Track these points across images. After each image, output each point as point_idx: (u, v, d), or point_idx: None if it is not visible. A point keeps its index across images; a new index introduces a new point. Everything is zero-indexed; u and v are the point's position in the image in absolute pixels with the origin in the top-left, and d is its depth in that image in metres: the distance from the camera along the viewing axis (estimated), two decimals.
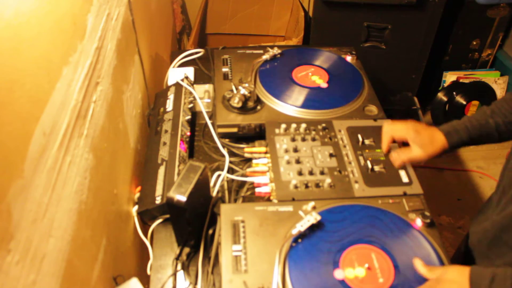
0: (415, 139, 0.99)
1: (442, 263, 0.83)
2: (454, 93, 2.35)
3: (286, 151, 1.04)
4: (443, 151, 0.99)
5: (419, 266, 0.82)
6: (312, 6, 2.00)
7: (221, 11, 2.41)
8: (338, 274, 0.80)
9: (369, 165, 1.01)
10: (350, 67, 1.33)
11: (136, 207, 1.06)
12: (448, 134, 0.98)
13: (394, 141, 1.07)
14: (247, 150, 1.10)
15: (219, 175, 1.03)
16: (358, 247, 0.84)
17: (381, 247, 0.84)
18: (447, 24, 2.19)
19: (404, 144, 1.05)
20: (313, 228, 0.86)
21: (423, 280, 0.80)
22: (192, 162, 0.88)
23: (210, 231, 0.94)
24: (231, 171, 1.08)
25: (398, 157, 1.02)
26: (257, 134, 1.13)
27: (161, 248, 0.96)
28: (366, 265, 0.81)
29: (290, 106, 1.16)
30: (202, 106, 1.23)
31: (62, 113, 0.68)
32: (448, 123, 1.01)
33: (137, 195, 1.10)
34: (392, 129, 1.04)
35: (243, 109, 1.15)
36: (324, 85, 1.24)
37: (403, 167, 1.02)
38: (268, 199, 0.99)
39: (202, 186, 0.89)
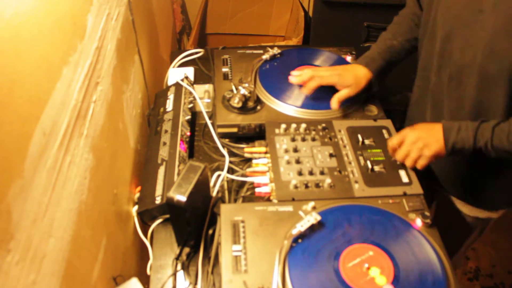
0: (342, 83, 1.13)
1: (442, 263, 0.83)
2: None
3: (286, 151, 1.04)
4: (370, 81, 1.15)
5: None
6: (312, 6, 2.00)
7: (221, 11, 2.40)
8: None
9: (369, 165, 1.01)
10: None
11: (136, 207, 1.06)
12: (367, 65, 1.15)
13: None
14: (247, 150, 1.10)
15: (219, 175, 1.03)
16: (358, 247, 0.84)
17: (381, 247, 0.84)
18: None
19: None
20: (313, 228, 0.86)
21: (423, 280, 0.80)
22: (192, 162, 0.88)
23: (210, 231, 0.94)
24: (231, 171, 1.08)
25: (332, 102, 1.14)
26: (257, 134, 1.13)
27: (161, 248, 0.96)
28: (366, 265, 0.81)
29: (290, 106, 1.16)
30: (202, 106, 1.23)
31: (62, 113, 0.68)
32: (362, 56, 1.19)
33: (137, 195, 1.10)
34: (318, 77, 1.13)
35: (243, 109, 1.15)
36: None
37: (404, 167, 1.02)
38: (268, 199, 0.99)
39: (202, 186, 0.89)
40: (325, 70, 1.16)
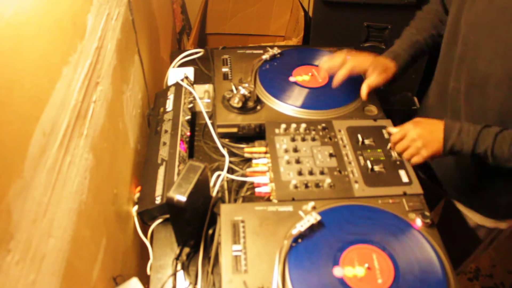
0: (374, 68, 1.12)
1: (442, 263, 0.83)
2: None
3: (286, 151, 1.04)
4: (394, 76, 1.15)
5: (392, 129, 1.04)
6: (312, 6, 2.00)
7: (221, 11, 2.40)
8: (337, 271, 0.80)
9: (369, 165, 1.01)
10: None
11: (136, 207, 1.06)
12: (395, 58, 1.15)
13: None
14: (247, 150, 1.10)
15: (219, 175, 1.03)
16: (358, 247, 0.84)
17: (381, 247, 0.84)
18: None
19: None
20: (313, 228, 0.86)
21: (423, 280, 0.80)
22: (192, 162, 0.88)
23: (210, 231, 0.94)
24: (231, 171, 1.08)
25: (363, 90, 1.14)
26: (257, 134, 1.13)
27: (161, 248, 0.96)
28: (366, 265, 0.81)
29: (290, 106, 1.16)
30: (202, 106, 1.23)
31: (62, 113, 0.68)
32: (387, 51, 1.18)
33: (137, 195, 1.10)
34: (356, 62, 1.12)
35: (243, 109, 1.15)
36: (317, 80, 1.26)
37: (403, 167, 1.02)
38: (268, 199, 0.99)
39: (202, 186, 0.89)
40: (363, 57, 1.14)
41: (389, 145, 1.05)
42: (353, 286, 0.78)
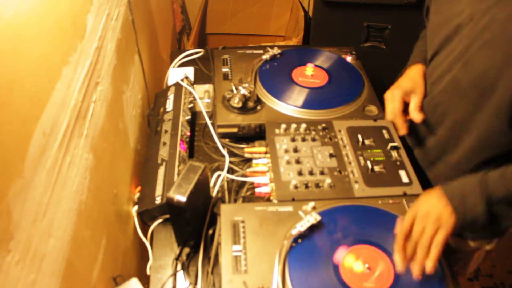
0: (406, 92, 1.08)
1: (442, 263, 0.83)
2: None
3: (286, 151, 1.04)
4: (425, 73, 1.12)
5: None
6: (312, 6, 2.00)
7: (221, 11, 2.41)
8: (339, 255, 0.82)
9: (369, 165, 1.01)
10: (350, 67, 1.33)
11: (136, 207, 1.06)
12: (415, 59, 1.16)
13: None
14: (247, 150, 1.10)
15: (219, 175, 1.03)
16: (358, 247, 0.84)
17: (380, 247, 0.84)
18: None
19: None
20: (313, 228, 0.86)
21: (423, 280, 0.80)
22: (192, 162, 0.88)
23: (210, 231, 0.94)
24: (231, 171, 1.08)
25: (415, 115, 1.05)
26: (257, 134, 1.13)
27: (161, 248, 0.96)
28: (367, 265, 0.81)
29: (290, 106, 1.16)
30: (202, 106, 1.23)
31: (62, 113, 0.68)
32: (411, 61, 1.18)
33: (137, 195, 1.10)
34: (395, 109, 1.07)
35: (243, 109, 1.15)
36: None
37: (404, 167, 1.02)
38: (268, 199, 0.99)
39: (202, 186, 0.89)
40: (391, 100, 1.09)
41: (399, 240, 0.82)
42: (353, 286, 0.78)
